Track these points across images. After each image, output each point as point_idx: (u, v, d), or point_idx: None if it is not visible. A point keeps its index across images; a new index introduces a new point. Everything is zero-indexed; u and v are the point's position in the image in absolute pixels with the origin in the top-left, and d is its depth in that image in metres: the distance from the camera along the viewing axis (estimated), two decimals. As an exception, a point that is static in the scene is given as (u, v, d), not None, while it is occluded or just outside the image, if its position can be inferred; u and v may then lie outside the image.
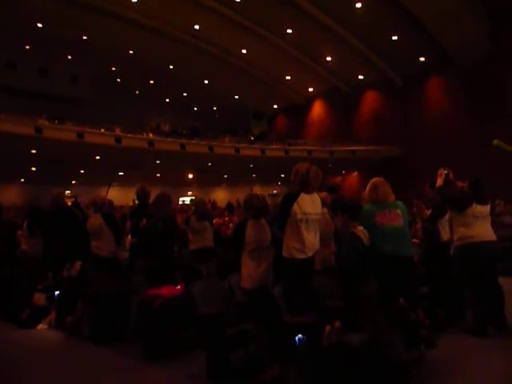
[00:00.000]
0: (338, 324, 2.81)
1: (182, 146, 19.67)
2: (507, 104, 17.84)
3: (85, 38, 20.39)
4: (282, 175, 22.74)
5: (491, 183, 11.55)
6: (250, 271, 3.35)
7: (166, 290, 3.99)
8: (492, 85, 18.45)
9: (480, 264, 4.07)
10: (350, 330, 2.86)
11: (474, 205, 4.17)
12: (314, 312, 2.98)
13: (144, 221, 4.61)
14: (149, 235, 4.43)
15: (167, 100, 27.44)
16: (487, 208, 4.27)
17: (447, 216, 4.67)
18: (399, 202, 3.58)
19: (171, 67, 23.74)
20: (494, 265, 4.20)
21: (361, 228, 3.35)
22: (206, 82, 25.47)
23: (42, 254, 5.45)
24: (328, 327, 2.78)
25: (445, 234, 4.68)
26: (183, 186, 24.84)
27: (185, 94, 26.90)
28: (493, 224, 4.75)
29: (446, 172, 4.45)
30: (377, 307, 2.94)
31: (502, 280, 5.12)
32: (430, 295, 4.44)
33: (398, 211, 3.41)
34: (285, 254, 3.21)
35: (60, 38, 19.74)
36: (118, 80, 24.88)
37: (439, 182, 4.42)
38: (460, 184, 4.45)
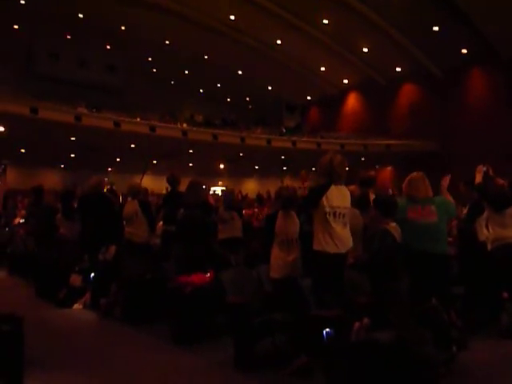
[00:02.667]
0: (366, 320, 2.79)
1: (215, 137, 19.86)
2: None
3: (123, 28, 20.84)
4: (314, 168, 22.51)
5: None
6: (278, 261, 3.40)
7: (196, 278, 4.07)
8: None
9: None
10: (378, 327, 2.82)
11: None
12: (342, 307, 2.96)
13: (181, 210, 4.68)
14: (187, 223, 4.50)
15: (201, 90, 27.67)
16: None
17: (485, 215, 4.50)
18: (438, 198, 3.48)
19: (206, 57, 23.90)
20: None
21: (393, 225, 3.29)
22: (240, 72, 25.48)
23: (79, 237, 5.68)
24: (357, 323, 2.76)
25: (482, 234, 4.51)
26: (214, 176, 25.08)
27: (218, 85, 27.03)
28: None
29: (485, 169, 4.28)
30: (406, 305, 2.89)
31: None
32: (465, 296, 4.31)
33: (433, 207, 3.32)
34: (315, 246, 3.19)
35: (99, 28, 20.28)
36: (154, 70, 25.30)
37: (478, 178, 4.26)
38: (501, 181, 4.27)
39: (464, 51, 20.21)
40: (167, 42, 22.29)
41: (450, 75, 21.61)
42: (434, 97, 22.39)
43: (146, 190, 6.04)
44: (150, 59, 24.28)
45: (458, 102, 21.34)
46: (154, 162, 20.37)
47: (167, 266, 4.65)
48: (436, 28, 18.98)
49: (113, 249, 5.19)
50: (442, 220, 3.36)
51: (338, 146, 21.37)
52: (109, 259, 5.13)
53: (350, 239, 3.26)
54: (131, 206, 5.19)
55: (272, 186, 20.40)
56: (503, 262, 4.00)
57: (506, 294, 4.29)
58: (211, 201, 5.08)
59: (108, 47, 23.13)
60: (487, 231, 4.39)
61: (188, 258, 4.36)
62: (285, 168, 23.94)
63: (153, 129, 18.32)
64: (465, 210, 4.71)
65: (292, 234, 3.46)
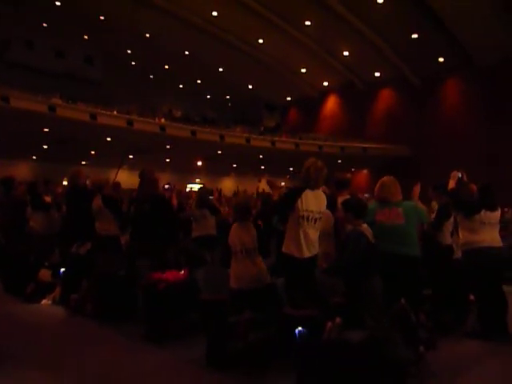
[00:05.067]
0: (338, 320, 2.82)
1: (193, 133, 19.70)
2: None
3: (102, 18, 20.39)
4: (291, 168, 22.71)
5: (504, 188, 11.44)
6: (235, 272, 3.47)
7: (169, 275, 4.03)
8: (509, 88, 18.14)
9: (483, 269, 4.05)
10: (350, 327, 2.86)
11: (483, 211, 4.12)
12: (315, 306, 2.99)
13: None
14: (136, 219, 4.42)
15: (181, 86, 27.41)
16: (496, 215, 4.21)
17: (451, 219, 4.63)
18: (408, 202, 3.55)
19: (187, 53, 23.68)
20: (498, 271, 4.16)
21: (365, 226, 3.34)
22: (221, 70, 25.38)
23: (60, 231, 5.54)
24: (329, 323, 2.79)
25: (448, 238, 4.63)
26: (192, 173, 24.91)
27: (199, 81, 26.84)
28: (501, 231, 4.70)
29: (459, 175, 4.40)
30: (379, 305, 2.94)
31: (509, 288, 5.12)
32: (433, 298, 4.42)
33: (400, 210, 3.37)
34: (285, 249, 3.22)
35: (77, 18, 19.77)
36: (133, 63, 24.90)
37: (451, 184, 4.38)
38: (474, 187, 4.39)
39: (441, 60, 20.78)
40: (147, 36, 21.95)
41: (426, 82, 22.18)
42: (411, 103, 22.93)
43: (117, 184, 5.91)
44: (129, 52, 23.87)
45: (434, 109, 21.92)
46: (131, 156, 20.04)
47: (140, 263, 4.56)
48: (415, 36, 19.45)
49: (88, 245, 5.07)
50: (410, 223, 3.41)
51: (316, 147, 21.60)
52: (82, 254, 5.01)
53: (317, 244, 3.27)
54: (96, 201, 5.10)
55: (249, 185, 20.46)
56: (471, 266, 4.14)
57: (472, 297, 4.44)
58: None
59: (86, 37, 22.58)
60: (456, 235, 4.53)
61: (141, 254, 4.28)
62: (263, 167, 23.99)
63: (130, 123, 18.02)
64: (433, 214, 4.82)
65: (247, 244, 3.48)
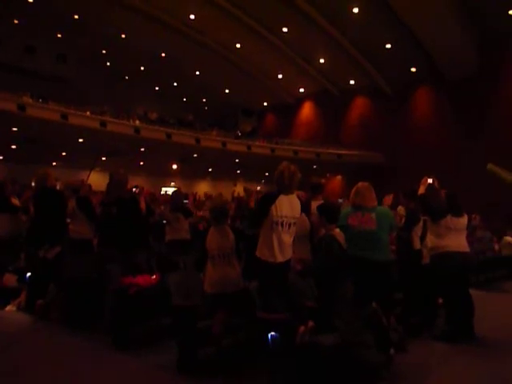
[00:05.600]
0: (311, 324, 2.83)
1: (168, 136, 19.47)
2: (491, 121, 18.24)
3: (76, 17, 19.96)
4: (267, 173, 22.78)
5: (471, 196, 11.84)
6: (211, 276, 3.43)
7: (141, 279, 3.95)
8: (478, 101, 18.84)
9: (449, 274, 4.16)
10: (323, 331, 2.88)
11: (449, 217, 4.24)
12: (288, 310, 2.98)
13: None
14: (103, 222, 4.31)
15: (156, 88, 27.11)
16: (462, 220, 4.33)
17: (420, 224, 4.75)
18: (380, 208, 3.60)
19: (163, 55, 23.47)
20: (464, 275, 4.27)
21: (338, 230, 3.37)
22: (198, 73, 25.26)
23: (27, 234, 5.34)
24: (302, 327, 2.79)
25: (417, 242, 4.75)
26: (166, 177, 24.61)
27: (175, 84, 26.63)
28: (468, 237, 4.85)
29: (430, 181, 4.52)
30: (350, 309, 2.96)
31: (475, 292, 5.28)
32: (404, 301, 4.51)
33: (373, 215, 3.41)
34: (258, 253, 3.21)
35: (50, 15, 19.25)
36: (108, 63, 24.44)
37: (421, 190, 4.49)
38: (443, 193, 4.52)
39: (413, 70, 21.38)
40: (123, 36, 21.62)
41: (398, 91, 22.77)
42: (384, 111, 23.46)
43: (89, 186, 5.77)
44: (104, 52, 23.43)
45: (406, 117, 22.51)
46: (104, 158, 19.62)
47: (111, 267, 4.45)
48: (388, 46, 19.95)
49: (57, 248, 4.90)
50: (382, 228, 3.45)
51: (292, 152, 21.77)
52: (49, 258, 4.84)
53: (291, 249, 3.27)
54: (70, 203, 4.97)
55: (225, 189, 20.39)
56: (437, 270, 4.25)
57: (440, 300, 4.55)
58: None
59: (59, 36, 22.01)
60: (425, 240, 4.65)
61: (110, 258, 4.18)
62: (239, 171, 24.00)
63: (103, 124, 17.64)
64: (403, 219, 4.93)
65: (225, 248, 3.46)
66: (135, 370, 3.36)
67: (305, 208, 3.68)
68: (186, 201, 6.46)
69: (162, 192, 20.52)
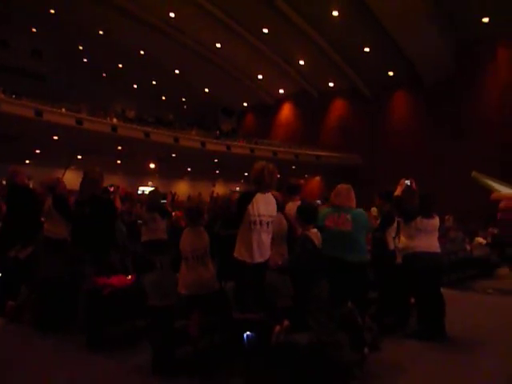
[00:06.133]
0: (286, 323, 2.84)
1: (147, 134, 19.25)
2: (467, 124, 18.73)
3: (52, 11, 19.50)
4: (246, 174, 22.80)
5: (447, 198, 12.14)
6: (185, 278, 3.38)
7: (115, 280, 3.88)
8: (454, 105, 19.34)
9: (418, 274, 4.27)
10: (298, 330, 2.90)
11: (419, 218, 4.34)
12: (264, 310, 2.99)
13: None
14: (76, 222, 4.22)
15: (135, 86, 26.77)
16: (432, 222, 4.41)
17: (395, 225, 4.85)
18: (357, 209, 3.65)
19: (142, 53, 23.18)
20: (434, 275, 4.37)
21: (314, 231, 3.40)
22: (177, 72, 25.07)
23: None
24: (277, 326, 2.81)
25: (391, 243, 4.84)
26: (144, 176, 24.32)
27: (154, 82, 26.35)
28: (441, 238, 4.98)
29: (408, 182, 4.62)
30: (325, 309, 2.99)
31: (448, 291, 5.42)
32: (379, 301, 4.59)
33: (349, 216, 3.45)
34: (236, 254, 3.19)
35: (24, 9, 18.76)
36: (85, 60, 23.98)
37: (398, 191, 4.58)
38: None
39: (391, 73, 21.79)
40: (101, 33, 21.26)
41: (377, 94, 23.17)
42: (362, 114, 23.84)
43: (63, 185, 5.64)
44: (81, 48, 22.97)
45: (383, 120, 22.92)
46: (79, 157, 19.23)
47: (85, 268, 4.36)
48: (367, 49, 20.28)
49: (29, 249, 4.77)
50: (358, 230, 3.48)
51: (271, 153, 21.86)
52: (21, 258, 4.71)
53: (268, 248, 3.26)
54: (47, 202, 4.85)
55: (204, 189, 20.27)
56: (408, 270, 4.36)
57: (413, 300, 4.65)
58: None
59: (34, 30, 21.45)
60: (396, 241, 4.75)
61: (83, 258, 4.10)
62: (218, 171, 23.92)
63: (79, 121, 17.28)
64: (377, 220, 5.03)
65: (199, 249, 3.41)
66: (109, 371, 3.31)
67: (279, 208, 3.70)
68: (164, 201, 6.36)
69: (140, 191, 20.29)
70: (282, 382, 2.84)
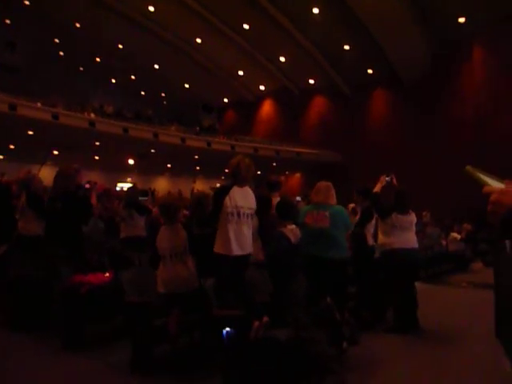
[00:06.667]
0: (265, 319, 2.85)
1: (125, 130, 18.90)
2: (444, 122, 19.11)
3: (27, 3, 18.92)
4: (227, 170, 22.68)
5: (425, 195, 12.38)
6: (162, 276, 3.33)
7: (93, 277, 3.81)
8: (431, 104, 19.71)
9: (394, 269, 4.34)
10: (277, 326, 2.91)
11: (394, 214, 4.41)
12: (243, 306, 2.99)
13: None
14: (48, 218, 4.13)
15: (113, 81, 26.27)
16: (407, 218, 4.48)
17: (373, 221, 4.92)
18: (336, 206, 3.68)
19: (120, 47, 22.75)
20: (410, 271, 4.45)
21: (291, 227, 3.42)
22: (157, 67, 24.73)
23: None
24: (256, 322, 2.81)
25: (369, 239, 4.92)
26: (123, 172, 23.93)
27: (133, 77, 25.92)
28: (418, 233, 5.07)
29: (388, 179, 4.68)
30: (302, 305, 3.01)
31: (424, 285, 5.52)
32: (358, 296, 4.65)
33: (327, 213, 3.48)
34: (217, 249, 3.16)
35: (-2, 0, 18.15)
36: (61, 53, 23.38)
37: (377, 188, 4.65)
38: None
39: (370, 72, 22.03)
40: (78, 25, 20.76)
41: (356, 92, 23.40)
42: (342, 111, 24.04)
43: (38, 181, 5.49)
44: (56, 41, 22.37)
45: (363, 118, 23.17)
46: (56, 152, 18.77)
47: (61, 266, 4.26)
48: (347, 47, 20.44)
49: (3, 248, 4.63)
50: (336, 226, 3.52)
51: (252, 149, 21.82)
52: (-8, 257, 4.57)
53: (250, 239, 3.26)
54: (21, 199, 4.72)
55: (184, 185, 20.08)
56: (385, 266, 4.44)
57: (391, 295, 4.73)
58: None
59: (8, 22, 20.77)
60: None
61: (57, 256, 4.00)
62: (198, 168, 23.75)
63: (55, 116, 16.83)
64: (357, 216, 5.09)
65: (177, 247, 3.35)
66: (85, 370, 3.25)
67: (265, 205, 3.70)
68: (145, 198, 6.24)
69: (118, 188, 19.97)
70: (262, 378, 2.85)
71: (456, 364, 3.49)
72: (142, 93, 27.70)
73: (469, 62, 18.87)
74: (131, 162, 22.37)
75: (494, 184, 0.94)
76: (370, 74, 22.18)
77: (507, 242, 1.03)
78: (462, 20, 17.59)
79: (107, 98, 25.28)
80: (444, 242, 9.88)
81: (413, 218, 4.54)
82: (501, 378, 2.85)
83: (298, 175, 26.05)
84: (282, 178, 23.75)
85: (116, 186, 21.29)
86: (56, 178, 4.16)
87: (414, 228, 4.58)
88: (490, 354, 3.55)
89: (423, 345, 3.97)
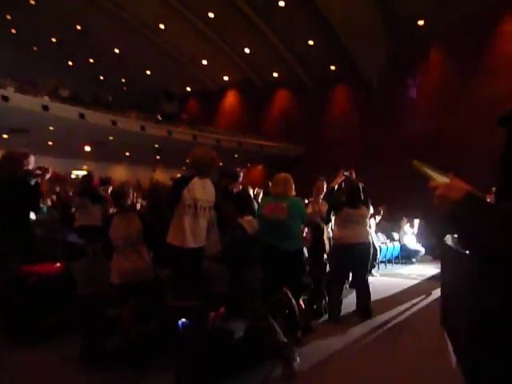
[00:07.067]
0: (222, 310, 2.85)
1: (82, 115, 18.15)
2: (401, 120, 19.75)
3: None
4: (188, 160, 22.33)
5: (381, 190, 12.76)
6: (116, 267, 3.25)
7: (41, 268, 3.64)
8: (389, 102, 20.32)
9: (345, 262, 4.48)
10: (233, 316, 2.92)
11: (346, 209, 4.53)
12: (199, 297, 2.97)
13: None
14: None
15: (70, 63, 25.10)
16: (358, 212, 4.57)
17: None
18: (293, 198, 3.72)
19: (78, 28, 21.74)
20: (361, 264, 4.57)
21: (248, 218, 3.43)
22: (117, 51, 23.86)
23: None
24: (212, 313, 2.80)
25: (326, 231, 5.03)
26: (78, 159, 23.00)
27: (91, 60, 24.88)
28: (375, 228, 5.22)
29: (347, 173, 4.78)
30: (258, 294, 3.04)
31: (377, 277, 5.69)
32: (313, 286, 4.75)
33: (284, 205, 3.52)
34: (171, 240, 3.10)
35: None
36: (13, 31, 22.01)
37: (335, 182, 4.75)
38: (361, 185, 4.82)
39: (332, 68, 22.38)
40: (32, 2, 19.60)
41: (319, 88, 23.72)
42: (304, 105, 24.31)
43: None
44: (9, 17, 21.02)
45: (325, 113, 23.55)
46: (5, 136, 17.74)
47: (5, 255, 4.05)
48: (311, 42, 20.63)
49: None
50: (293, 218, 3.56)
51: (214, 140, 21.62)
52: None
53: (204, 233, 3.21)
54: None
55: (143, 175, 19.62)
56: (335, 258, 4.58)
57: (346, 285, 4.88)
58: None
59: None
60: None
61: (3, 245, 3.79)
62: (158, 157, 23.26)
63: (5, 98, 15.87)
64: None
65: (131, 236, 3.27)
66: (34, 364, 3.12)
67: (226, 195, 3.68)
68: (105, 186, 6.00)
69: (73, 175, 19.20)
70: (218, 369, 2.85)
71: (405, 350, 3.66)
72: (101, 77, 26.67)
73: (426, 61, 19.59)
74: (87, 148, 21.54)
75: (440, 178, 0.97)
76: (333, 71, 22.54)
77: (451, 236, 1.07)
78: (421, 23, 18.22)
79: (63, 81, 24.10)
80: (397, 236, 10.29)
81: (364, 212, 4.62)
82: (445, 366, 3.00)
83: (259, 167, 26.14)
84: (244, 169, 23.72)
85: (71, 173, 20.46)
86: (1, 163, 3.91)
87: (366, 222, 4.68)
88: (436, 343, 3.76)
89: (375, 334, 4.12)
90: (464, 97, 17.25)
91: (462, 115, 17.00)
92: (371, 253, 4.70)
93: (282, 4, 18.49)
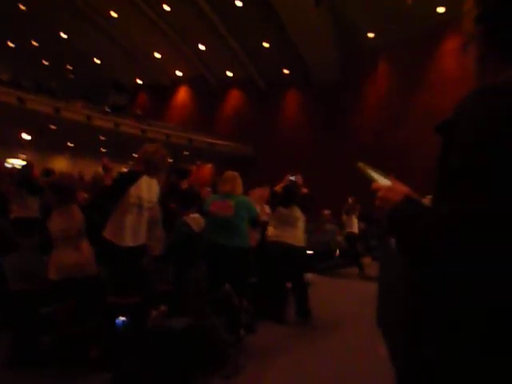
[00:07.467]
0: (163, 308, 2.81)
1: (21, 101, 17.03)
2: (352, 127, 20.49)
3: None
4: (135, 155, 21.71)
5: (329, 194, 13.16)
6: (54, 262, 3.09)
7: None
8: (341, 108, 21.01)
9: (275, 261, 4.59)
10: (175, 314, 2.89)
11: (280, 208, 4.65)
12: (139, 294, 2.90)
13: None
14: None
15: (11, 45, 23.45)
16: (291, 213, 4.64)
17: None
18: (242, 197, 3.75)
19: (23, 8, 20.38)
20: (293, 265, 4.66)
21: (194, 216, 3.42)
22: (65, 36, 22.65)
23: None
24: (153, 311, 2.76)
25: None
26: (15, 148, 21.55)
27: (35, 43, 23.41)
28: (316, 230, 5.39)
29: (293, 178, 4.88)
30: (200, 292, 3.03)
31: (319, 277, 5.87)
32: (258, 284, 4.81)
33: (231, 202, 3.55)
34: (109, 235, 2.98)
35: None
36: None
37: (279, 186, 4.84)
38: (304, 190, 4.93)
39: (286, 71, 22.76)
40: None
41: (271, 90, 24.01)
42: (257, 106, 24.50)
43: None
44: None
45: (276, 115, 23.87)
46: None
47: None
48: (266, 44, 20.85)
49: None
50: (240, 215, 3.59)
51: (164, 135, 21.19)
52: None
53: (144, 233, 3.13)
54: None
55: (86, 167, 18.81)
56: (267, 257, 4.68)
57: (289, 285, 4.98)
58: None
59: None
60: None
61: None
62: (104, 150, 22.39)
63: None
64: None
65: (71, 230, 3.13)
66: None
67: (173, 192, 3.62)
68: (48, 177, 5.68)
69: (9, 165, 17.95)
70: (157, 367, 2.81)
71: (344, 349, 3.81)
72: (45, 62, 25.17)
73: (374, 72, 20.50)
74: (26, 137, 20.24)
75: (382, 180, 1.02)
76: (286, 74, 22.92)
77: (392, 239, 1.11)
78: (371, 35, 19.06)
79: (2, 64, 22.50)
80: (339, 238, 10.65)
81: (297, 213, 4.67)
82: (376, 362, 3.17)
83: (209, 166, 25.97)
84: (193, 167, 23.48)
85: (5, 162, 19.11)
86: None
87: (300, 225, 4.72)
88: (370, 341, 3.95)
89: (317, 333, 4.25)
90: (403, 110, 18.33)
91: (401, 127, 18.05)
92: (306, 256, 4.83)
93: (239, 4, 18.52)
